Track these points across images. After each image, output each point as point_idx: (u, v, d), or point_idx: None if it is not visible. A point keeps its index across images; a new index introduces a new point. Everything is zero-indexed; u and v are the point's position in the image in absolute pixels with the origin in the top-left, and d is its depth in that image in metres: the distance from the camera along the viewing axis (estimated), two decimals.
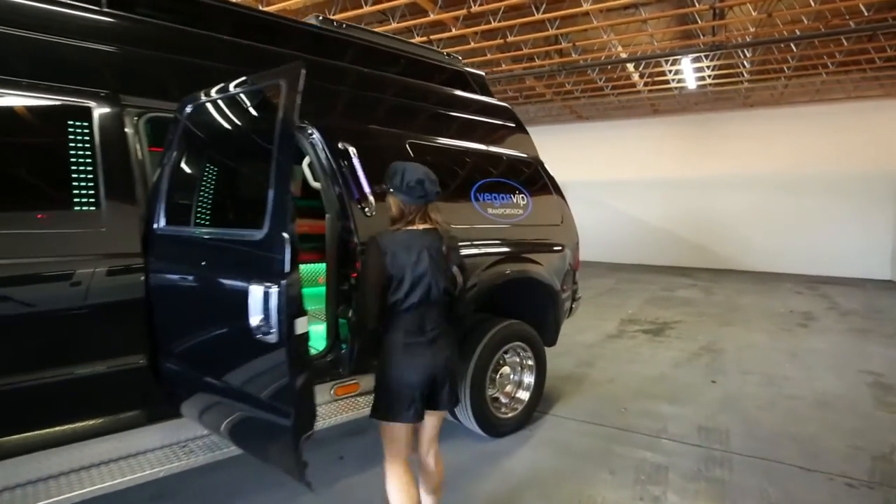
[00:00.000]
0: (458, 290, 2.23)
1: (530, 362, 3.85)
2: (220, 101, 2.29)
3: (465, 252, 3.44)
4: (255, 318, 1.72)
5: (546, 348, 3.99)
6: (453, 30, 8.44)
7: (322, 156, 3.00)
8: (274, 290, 1.69)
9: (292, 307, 1.68)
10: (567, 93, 12.81)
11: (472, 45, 9.09)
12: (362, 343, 2.93)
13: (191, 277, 2.15)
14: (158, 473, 2.32)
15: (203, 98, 2.34)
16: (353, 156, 3.01)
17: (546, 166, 4.44)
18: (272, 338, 1.70)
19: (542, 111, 14.86)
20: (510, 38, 9.03)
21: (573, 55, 10.20)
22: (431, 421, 2.25)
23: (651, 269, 13.47)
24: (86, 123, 2.26)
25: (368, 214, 3.00)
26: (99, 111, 2.31)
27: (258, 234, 1.82)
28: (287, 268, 1.68)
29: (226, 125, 2.30)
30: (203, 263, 2.10)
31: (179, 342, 2.20)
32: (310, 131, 3.00)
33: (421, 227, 2.17)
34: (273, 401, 1.81)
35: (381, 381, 2.15)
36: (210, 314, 2.08)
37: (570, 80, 11.89)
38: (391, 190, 2.22)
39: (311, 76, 3.20)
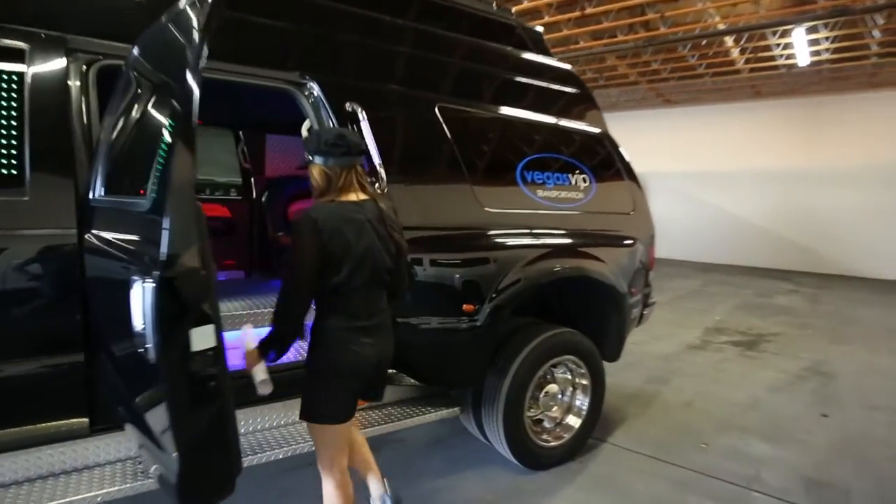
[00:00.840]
0: (402, 266, 2.01)
1: (584, 381, 3.14)
2: (156, 42, 1.80)
3: (504, 241, 2.84)
4: (137, 324, 1.22)
5: (606, 364, 3.25)
6: (525, 2, 7.68)
7: (324, 118, 2.47)
8: (148, 285, 1.17)
9: (174, 310, 1.15)
10: (654, 73, 11.57)
11: (547, 18, 8.26)
12: None
13: (117, 260, 1.68)
14: (109, 495, 1.90)
15: (142, 38, 1.88)
16: (362, 120, 2.45)
17: (617, 144, 3.66)
18: (150, 355, 1.18)
19: (624, 95, 13.63)
20: (588, 10, 8.12)
21: (661, 28, 9.06)
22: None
23: (744, 270, 11.97)
24: (15, 69, 1.86)
25: (380, 192, 2.43)
26: (36, 56, 1.91)
27: (144, 204, 1.31)
28: (165, 251, 1.16)
29: (159, 70, 1.81)
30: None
31: (109, 339, 1.76)
32: (309, 87, 2.47)
33: (356, 197, 1.89)
34: (160, 445, 1.30)
35: (321, 374, 1.87)
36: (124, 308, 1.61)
37: (657, 59, 10.68)
38: (310, 158, 1.89)
39: (311, 21, 2.77)
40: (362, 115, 2.47)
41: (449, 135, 2.80)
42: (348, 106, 2.48)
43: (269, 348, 1.78)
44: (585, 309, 3.28)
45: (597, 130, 3.61)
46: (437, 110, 2.81)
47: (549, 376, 3.04)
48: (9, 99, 1.86)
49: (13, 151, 1.79)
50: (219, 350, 1.23)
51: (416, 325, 2.54)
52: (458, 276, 2.62)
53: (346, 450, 2.00)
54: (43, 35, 1.98)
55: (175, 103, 1.36)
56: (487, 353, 2.75)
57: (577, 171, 3.30)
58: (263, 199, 4.12)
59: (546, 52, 3.60)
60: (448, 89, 2.99)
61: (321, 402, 1.88)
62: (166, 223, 1.15)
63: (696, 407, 4.00)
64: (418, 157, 2.75)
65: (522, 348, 2.82)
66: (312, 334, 1.88)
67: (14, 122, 1.84)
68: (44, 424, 1.84)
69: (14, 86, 1.86)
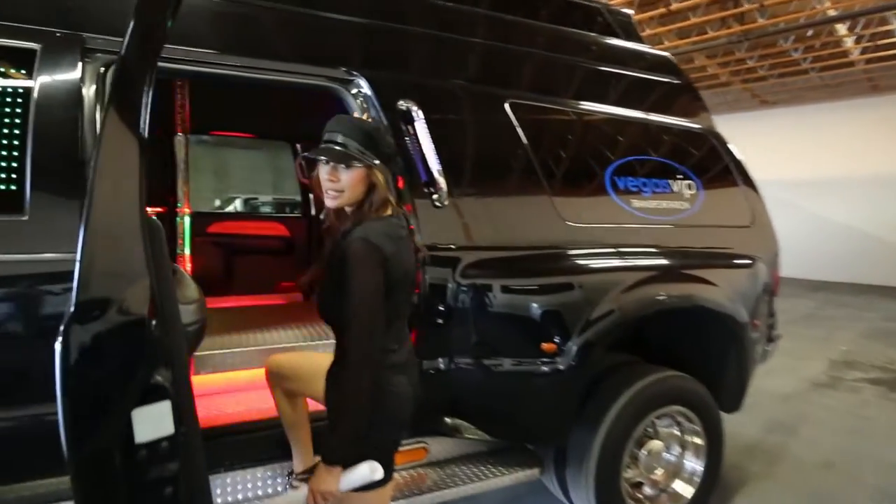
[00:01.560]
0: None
1: (697, 439, 2.50)
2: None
3: (592, 263, 2.32)
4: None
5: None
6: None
7: (373, 118, 2.09)
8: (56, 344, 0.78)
9: (94, 381, 0.76)
10: (749, 71, 10.49)
11: None
12: (429, 388, 1.97)
13: None
14: None
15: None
16: (417, 119, 2.05)
17: (727, 143, 3.02)
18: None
19: (715, 97, 12.48)
20: (674, 6, 7.40)
21: (759, 20, 8.11)
22: None
23: (863, 289, 10.41)
24: (24, 71, 1.62)
25: (438, 205, 2.01)
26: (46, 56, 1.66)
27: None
28: (75, 288, 0.77)
29: None
30: None
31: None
32: (357, 84, 2.10)
33: (390, 210, 1.52)
34: None
35: (390, 422, 1.47)
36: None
37: (752, 55, 9.64)
38: (377, 161, 1.45)
39: (357, 10, 2.27)
40: (417, 115, 2.06)
41: (522, 136, 2.33)
42: (401, 104, 2.08)
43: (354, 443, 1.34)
44: (695, 346, 2.66)
45: (702, 126, 2.99)
46: (507, 107, 2.36)
47: (650, 429, 2.44)
48: (14, 105, 1.62)
49: (14, 164, 1.53)
50: (183, 439, 0.83)
51: (483, 366, 2.07)
52: (534, 306, 2.13)
53: None
54: (58, 34, 1.74)
55: None
56: (573, 402, 2.22)
57: (680, 176, 2.70)
58: (322, 215, 3.85)
59: (637, 39, 3.05)
60: (521, 83, 2.52)
61: (387, 457, 1.49)
62: (80, 243, 0.78)
63: (840, 468, 3.18)
64: (485, 162, 2.30)
65: (618, 396, 2.26)
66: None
67: (17, 132, 1.59)
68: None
69: (20, 91, 1.61)
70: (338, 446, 1.33)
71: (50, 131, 1.59)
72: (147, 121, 0.95)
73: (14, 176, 1.56)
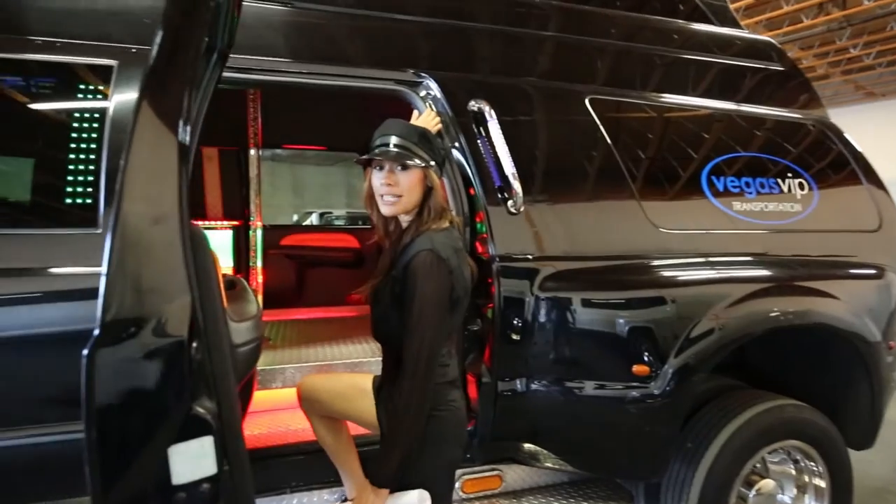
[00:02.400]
0: None
1: (818, 480, 2.14)
2: None
3: (689, 274, 2.06)
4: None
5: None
6: None
7: (443, 121, 1.97)
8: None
9: (123, 414, 0.65)
10: (851, 61, 9.53)
11: None
12: (503, 411, 1.80)
13: None
14: None
15: None
16: (490, 119, 1.90)
17: (845, 135, 2.63)
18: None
19: None
20: None
21: (865, 2, 7.33)
22: None
23: None
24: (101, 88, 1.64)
25: (513, 211, 1.85)
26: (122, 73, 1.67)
27: None
28: (101, 306, 0.67)
29: None
30: None
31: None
32: (426, 86, 1.99)
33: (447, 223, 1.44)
34: None
35: (448, 440, 1.39)
36: None
37: (856, 43, 8.74)
38: (433, 163, 1.38)
39: (424, 8, 2.11)
40: (490, 115, 1.91)
41: (605, 133, 2.12)
42: (473, 104, 1.94)
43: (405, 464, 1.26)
44: (814, 370, 2.30)
45: (813, 117, 2.63)
46: (588, 103, 2.15)
47: (760, 468, 2.11)
48: (91, 121, 1.64)
49: (89, 179, 1.54)
50: (228, 480, 0.71)
51: (565, 389, 1.87)
52: (623, 323, 1.90)
53: None
54: (134, 50, 1.76)
55: None
56: (669, 433, 1.95)
57: (790, 174, 2.37)
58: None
59: (734, 23, 2.74)
60: (602, 77, 2.31)
61: (434, 487, 1.36)
62: (106, 254, 0.69)
63: None
64: (565, 164, 2.11)
65: (723, 427, 1.97)
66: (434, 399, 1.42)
67: (93, 147, 1.61)
68: None
69: (97, 108, 1.63)
70: (387, 467, 1.24)
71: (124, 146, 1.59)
72: (190, 126, 0.87)
73: (90, 190, 1.57)
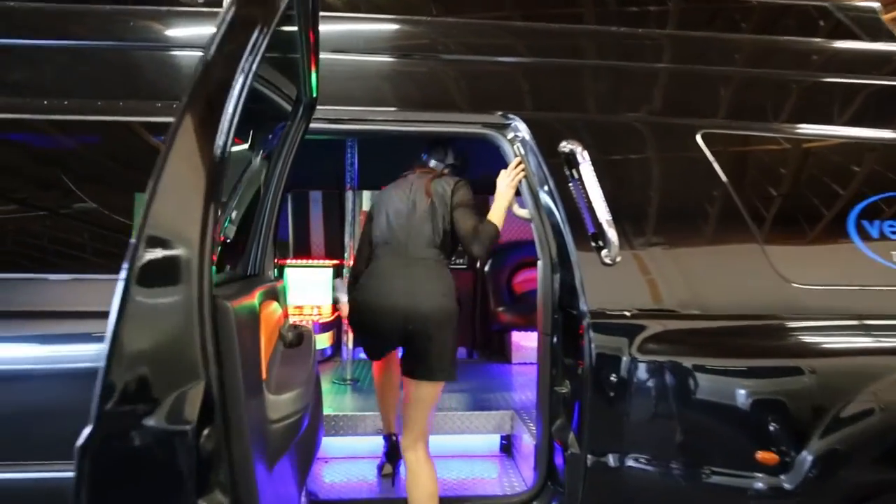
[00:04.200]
0: None
1: None
2: None
3: (834, 339, 1.70)
4: None
5: None
6: None
7: (532, 166, 1.85)
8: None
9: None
10: None
11: None
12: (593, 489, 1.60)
13: None
14: None
15: None
16: (583, 162, 1.74)
17: None
18: None
19: None
20: None
21: None
22: None
23: None
24: None
25: (608, 262, 1.66)
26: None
27: None
28: (93, 410, 0.61)
29: None
30: None
31: None
32: (514, 128, 1.89)
33: None
34: None
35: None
36: None
37: None
38: None
39: (516, 48, 2.07)
40: (583, 157, 1.75)
41: (720, 172, 1.85)
42: (564, 145, 1.80)
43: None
44: None
45: None
46: (699, 140, 1.91)
47: None
48: None
49: None
50: None
51: (668, 471, 1.60)
52: (745, 397, 1.59)
53: None
54: None
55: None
56: None
57: None
58: (486, 268, 3.68)
59: (890, 37, 2.32)
60: (717, 109, 2.05)
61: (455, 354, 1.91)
62: (109, 330, 0.64)
63: None
64: (671, 207, 1.87)
65: None
66: (446, 279, 1.89)
67: None
68: None
69: None
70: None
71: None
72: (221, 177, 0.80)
73: None
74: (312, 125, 1.85)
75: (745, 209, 1.81)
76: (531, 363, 3.23)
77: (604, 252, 1.67)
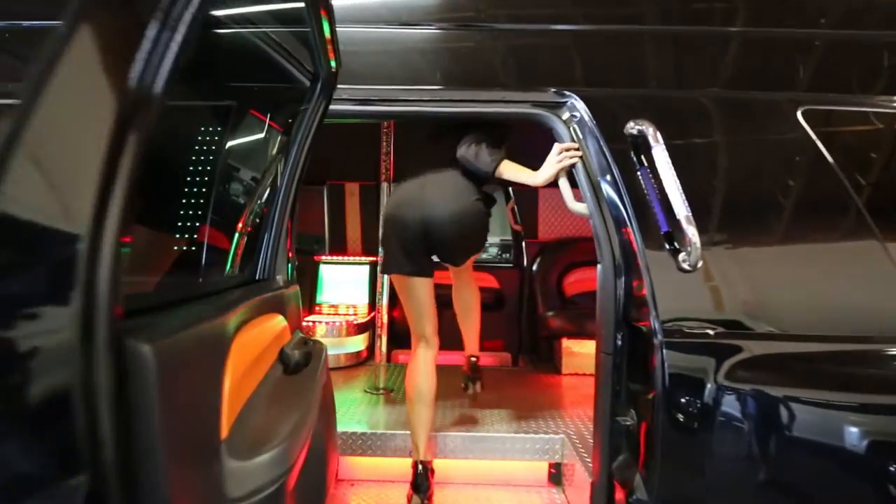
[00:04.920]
0: None
1: None
2: None
3: None
4: None
5: None
6: None
7: (591, 151, 1.56)
8: None
9: None
10: None
11: None
12: None
13: None
14: None
15: None
16: (656, 145, 1.44)
17: None
18: None
19: None
20: None
21: None
22: None
23: None
24: None
25: (687, 267, 1.37)
26: None
27: None
28: None
29: None
30: None
31: None
32: (570, 107, 1.61)
33: None
34: None
35: None
36: None
37: None
38: None
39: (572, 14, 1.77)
40: (656, 139, 1.44)
41: (827, 154, 1.51)
42: (632, 126, 1.49)
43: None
44: None
45: None
46: (800, 117, 1.56)
47: None
48: None
49: None
50: None
51: None
52: (870, 440, 1.26)
53: None
54: None
55: None
56: None
57: None
58: (535, 267, 3.38)
59: None
60: (823, 80, 1.69)
61: None
62: None
63: None
64: (764, 201, 1.54)
65: None
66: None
67: None
68: None
69: None
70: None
71: None
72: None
73: None
74: (337, 107, 1.64)
75: (859, 198, 1.46)
76: (584, 374, 2.92)
77: (681, 255, 1.36)
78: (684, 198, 1.36)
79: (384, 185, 2.66)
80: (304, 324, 3.02)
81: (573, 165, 1.61)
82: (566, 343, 2.94)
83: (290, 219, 1.52)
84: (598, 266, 1.54)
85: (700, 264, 1.34)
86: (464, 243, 1.96)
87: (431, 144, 2.02)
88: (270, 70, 1.32)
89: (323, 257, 3.41)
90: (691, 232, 1.33)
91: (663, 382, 1.32)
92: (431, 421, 1.92)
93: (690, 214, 1.34)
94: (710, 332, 1.33)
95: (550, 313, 3.00)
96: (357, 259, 3.36)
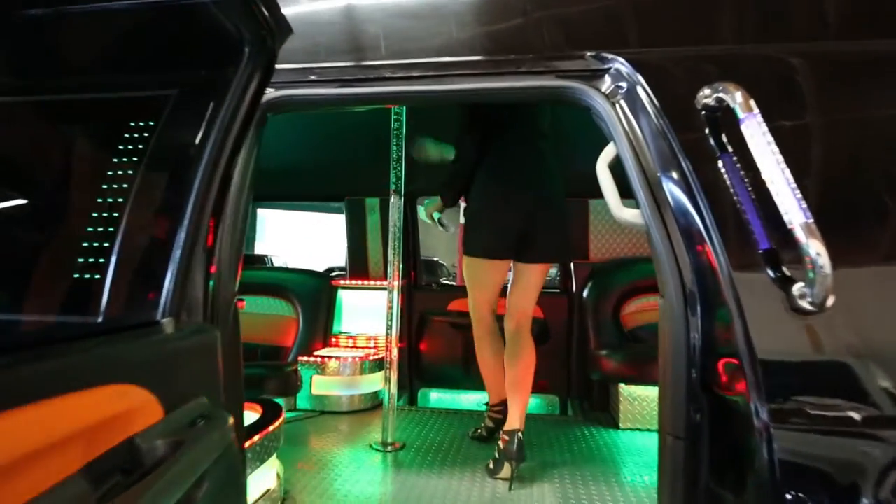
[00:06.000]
0: None
1: None
2: None
3: None
4: None
5: None
6: None
7: (645, 132, 1.08)
8: None
9: None
10: None
11: None
12: None
13: None
14: None
15: None
16: (748, 119, 0.93)
17: None
18: None
19: None
20: None
21: None
22: None
23: None
24: None
25: (806, 306, 0.85)
26: None
27: None
28: None
29: None
30: None
31: None
32: (615, 72, 1.14)
33: None
34: None
35: None
36: None
37: None
38: None
39: None
40: (750, 112, 0.94)
41: None
42: (707, 94, 1.00)
43: None
44: None
45: None
46: None
47: None
48: None
49: None
50: None
51: None
52: None
53: None
54: None
55: None
56: None
57: None
58: (585, 293, 2.84)
59: None
60: None
61: None
62: None
63: None
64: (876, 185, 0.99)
65: None
66: None
67: None
68: None
69: None
70: None
71: None
72: None
73: None
74: (307, 91, 1.27)
75: None
76: (648, 431, 2.36)
77: (797, 286, 0.86)
78: (800, 196, 0.85)
79: (393, 199, 2.25)
80: (313, 359, 2.65)
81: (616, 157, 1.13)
82: (625, 390, 2.39)
83: (232, 240, 1.14)
84: (660, 301, 1.05)
85: (831, 301, 0.83)
86: (560, 230, 1.94)
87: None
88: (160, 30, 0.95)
89: (342, 282, 3.04)
90: (815, 249, 0.82)
91: (773, 477, 0.82)
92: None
93: (812, 221, 0.83)
94: (855, 415, 0.82)
95: (604, 353, 2.45)
96: (376, 284, 2.97)
